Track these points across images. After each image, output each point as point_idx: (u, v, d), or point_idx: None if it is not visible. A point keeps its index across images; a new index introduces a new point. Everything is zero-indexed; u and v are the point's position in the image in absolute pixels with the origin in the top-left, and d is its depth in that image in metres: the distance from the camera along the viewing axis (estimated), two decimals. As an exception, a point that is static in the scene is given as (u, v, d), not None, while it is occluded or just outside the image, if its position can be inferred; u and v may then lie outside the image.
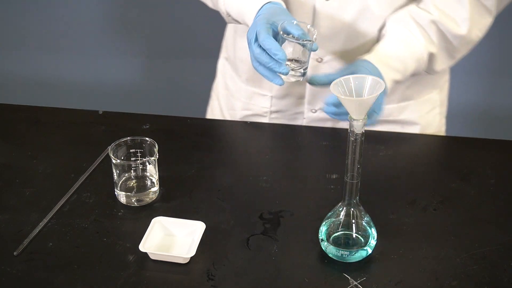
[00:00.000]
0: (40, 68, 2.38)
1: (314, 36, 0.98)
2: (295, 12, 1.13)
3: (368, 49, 1.13)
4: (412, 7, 1.12)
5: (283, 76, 0.98)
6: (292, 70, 0.99)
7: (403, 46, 1.09)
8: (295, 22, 0.98)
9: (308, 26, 0.99)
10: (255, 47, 0.97)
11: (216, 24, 2.21)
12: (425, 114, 1.28)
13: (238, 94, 1.30)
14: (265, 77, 0.98)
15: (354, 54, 1.14)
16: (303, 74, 1.01)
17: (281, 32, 0.97)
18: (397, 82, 1.10)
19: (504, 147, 1.22)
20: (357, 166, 0.88)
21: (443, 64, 1.14)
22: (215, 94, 1.41)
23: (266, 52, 0.96)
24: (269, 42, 0.95)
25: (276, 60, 0.95)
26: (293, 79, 1.01)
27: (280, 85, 0.98)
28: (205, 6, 1.24)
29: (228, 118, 1.35)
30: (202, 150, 1.19)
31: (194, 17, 2.21)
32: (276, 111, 1.27)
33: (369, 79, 0.84)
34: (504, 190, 1.09)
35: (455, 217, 1.02)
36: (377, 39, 1.15)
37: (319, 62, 1.17)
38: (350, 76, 0.85)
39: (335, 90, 0.83)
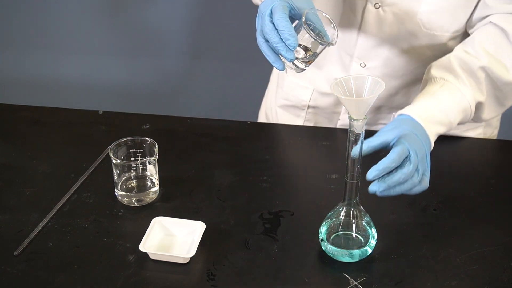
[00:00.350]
0: (40, 68, 2.38)
1: (336, 36, 0.92)
2: (344, 15, 1.11)
3: (412, 63, 1.11)
4: (460, 51, 1.04)
5: (285, 62, 0.92)
6: (297, 58, 0.93)
7: (447, 97, 1.00)
8: (324, 15, 0.91)
9: (332, 25, 0.93)
10: (267, 22, 0.88)
11: (217, 24, 2.22)
12: (463, 132, 1.23)
13: (281, 83, 1.31)
14: (267, 56, 0.91)
15: (397, 65, 1.12)
16: (305, 68, 0.94)
17: (304, 19, 0.89)
18: (441, 135, 1.00)
19: (504, 147, 1.22)
20: (357, 166, 0.88)
21: (491, 112, 1.07)
22: (272, 78, 1.42)
23: (277, 31, 0.88)
24: (284, 23, 0.87)
25: (285, 43, 0.87)
26: (292, 68, 0.94)
27: (281, 70, 0.91)
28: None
29: (273, 103, 1.36)
30: (202, 150, 1.19)
31: (195, 17, 2.21)
32: (314, 107, 1.27)
33: (369, 79, 0.84)
34: (504, 190, 1.09)
35: (455, 217, 1.02)
36: (423, 60, 1.11)
37: (362, 67, 1.15)
38: (350, 76, 0.85)
39: (335, 90, 0.83)
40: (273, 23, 0.88)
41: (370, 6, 1.08)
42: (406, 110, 0.97)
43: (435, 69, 1.03)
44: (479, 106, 1.03)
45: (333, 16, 1.12)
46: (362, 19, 1.10)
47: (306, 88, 1.26)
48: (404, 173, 0.87)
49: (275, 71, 1.39)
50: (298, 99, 1.28)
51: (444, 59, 1.04)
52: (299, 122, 1.30)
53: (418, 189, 0.90)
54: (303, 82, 1.26)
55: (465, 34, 1.10)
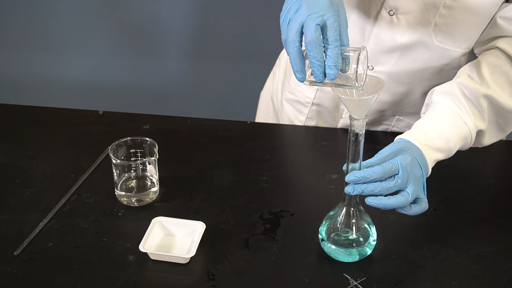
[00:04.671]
0: (40, 68, 2.38)
1: (362, 85, 0.83)
2: (357, 15, 1.10)
3: (420, 74, 1.11)
4: (464, 77, 1.01)
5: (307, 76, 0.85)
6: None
7: (448, 124, 0.97)
8: (362, 63, 0.82)
9: (367, 71, 0.84)
10: (316, 34, 0.80)
11: (217, 24, 2.21)
12: None
13: (289, 76, 1.31)
14: (293, 60, 0.82)
15: (405, 73, 1.12)
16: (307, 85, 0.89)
17: (357, 60, 0.81)
18: (440, 161, 0.98)
19: (504, 147, 1.22)
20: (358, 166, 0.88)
21: (492, 138, 1.04)
22: (279, 62, 1.41)
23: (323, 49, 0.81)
24: (336, 52, 0.80)
25: (324, 65, 0.81)
26: (307, 84, 0.87)
27: (300, 81, 0.84)
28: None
29: (278, 93, 1.36)
30: (202, 150, 1.19)
31: (195, 17, 2.21)
32: (318, 104, 1.28)
33: (369, 79, 0.84)
34: (504, 190, 1.09)
35: (455, 217, 1.02)
36: (432, 72, 1.10)
37: (370, 70, 1.14)
38: (351, 76, 0.85)
39: (336, 90, 0.83)
40: (321, 34, 0.81)
41: (384, 12, 1.07)
42: (405, 135, 0.96)
43: (437, 95, 1.01)
44: (480, 133, 1.02)
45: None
46: (375, 24, 1.09)
47: (311, 87, 1.26)
48: (381, 186, 0.86)
49: (283, 59, 1.38)
50: (303, 95, 1.28)
51: (447, 85, 1.02)
52: (302, 118, 1.31)
53: (417, 210, 0.89)
54: None
55: (473, 52, 1.10)
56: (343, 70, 0.83)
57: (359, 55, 0.81)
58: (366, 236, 0.92)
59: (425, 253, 0.94)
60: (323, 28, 0.81)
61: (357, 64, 0.81)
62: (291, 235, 0.98)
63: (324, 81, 0.82)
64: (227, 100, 2.37)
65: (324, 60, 0.81)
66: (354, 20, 1.11)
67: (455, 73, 1.06)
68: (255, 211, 1.02)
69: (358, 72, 0.81)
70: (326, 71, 0.81)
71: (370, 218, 0.93)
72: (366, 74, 0.83)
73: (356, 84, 0.82)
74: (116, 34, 2.29)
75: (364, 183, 0.87)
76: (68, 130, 1.25)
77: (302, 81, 0.84)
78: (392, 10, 1.06)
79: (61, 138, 1.23)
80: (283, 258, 0.93)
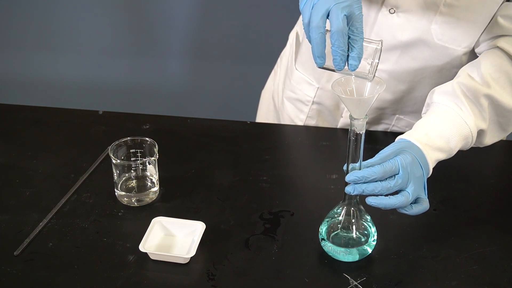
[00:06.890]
0: (40, 68, 2.38)
1: (373, 75, 0.85)
2: None
3: (420, 72, 1.11)
4: (464, 77, 1.01)
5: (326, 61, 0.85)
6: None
7: (449, 124, 0.97)
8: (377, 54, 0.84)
9: (376, 61, 0.85)
10: (344, 24, 0.81)
11: (218, 24, 2.21)
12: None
13: (290, 74, 1.31)
14: (315, 45, 0.83)
15: (405, 71, 1.12)
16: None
17: (376, 53, 0.84)
18: (440, 161, 0.98)
19: (504, 147, 1.22)
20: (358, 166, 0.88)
21: (493, 138, 1.04)
22: (280, 61, 1.41)
23: (348, 39, 0.82)
24: (361, 45, 0.83)
25: (346, 55, 0.82)
26: (327, 69, 0.87)
27: (318, 66, 0.85)
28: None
29: (280, 91, 1.36)
30: (202, 150, 1.19)
31: (195, 17, 2.21)
32: (318, 103, 1.28)
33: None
34: (504, 191, 1.09)
35: (455, 217, 1.02)
36: (432, 71, 1.10)
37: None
38: (352, 76, 0.85)
39: (336, 89, 0.83)
40: (347, 23, 0.82)
41: (384, 10, 1.07)
42: (406, 135, 0.96)
43: (438, 95, 1.01)
44: (481, 132, 1.02)
45: None
46: (376, 22, 1.09)
47: (311, 85, 1.26)
48: (382, 186, 0.86)
49: (285, 58, 1.38)
50: (303, 93, 1.28)
51: (447, 84, 1.02)
52: (302, 116, 1.31)
53: (418, 209, 0.89)
54: (309, 79, 1.26)
55: (474, 51, 1.10)
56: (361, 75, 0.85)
57: (380, 49, 0.83)
58: (366, 236, 0.92)
59: (425, 253, 0.94)
60: (348, 18, 0.82)
61: (379, 58, 0.83)
62: (291, 235, 0.98)
63: (343, 69, 0.84)
64: (227, 100, 2.37)
65: (348, 50, 0.83)
66: None
67: (456, 72, 1.06)
68: (255, 211, 1.02)
69: (373, 65, 0.83)
70: (349, 62, 0.83)
71: (370, 218, 0.93)
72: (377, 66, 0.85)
73: (371, 75, 0.84)
74: (116, 34, 2.29)
75: (364, 182, 0.87)
76: (68, 130, 1.25)
77: (321, 66, 0.85)
78: (392, 8, 1.06)
79: (61, 138, 1.23)
80: (283, 258, 0.93)
